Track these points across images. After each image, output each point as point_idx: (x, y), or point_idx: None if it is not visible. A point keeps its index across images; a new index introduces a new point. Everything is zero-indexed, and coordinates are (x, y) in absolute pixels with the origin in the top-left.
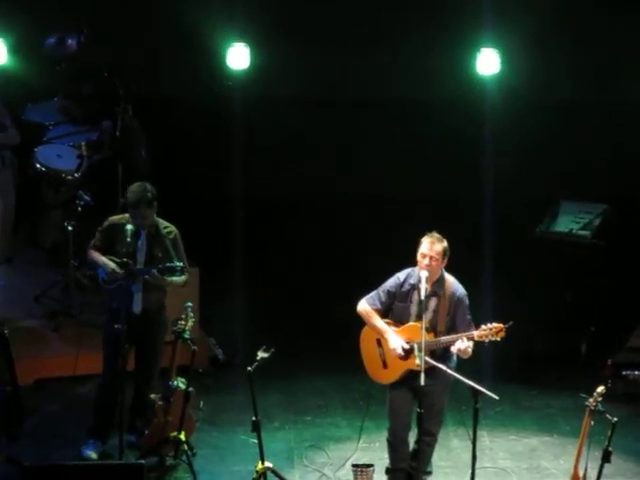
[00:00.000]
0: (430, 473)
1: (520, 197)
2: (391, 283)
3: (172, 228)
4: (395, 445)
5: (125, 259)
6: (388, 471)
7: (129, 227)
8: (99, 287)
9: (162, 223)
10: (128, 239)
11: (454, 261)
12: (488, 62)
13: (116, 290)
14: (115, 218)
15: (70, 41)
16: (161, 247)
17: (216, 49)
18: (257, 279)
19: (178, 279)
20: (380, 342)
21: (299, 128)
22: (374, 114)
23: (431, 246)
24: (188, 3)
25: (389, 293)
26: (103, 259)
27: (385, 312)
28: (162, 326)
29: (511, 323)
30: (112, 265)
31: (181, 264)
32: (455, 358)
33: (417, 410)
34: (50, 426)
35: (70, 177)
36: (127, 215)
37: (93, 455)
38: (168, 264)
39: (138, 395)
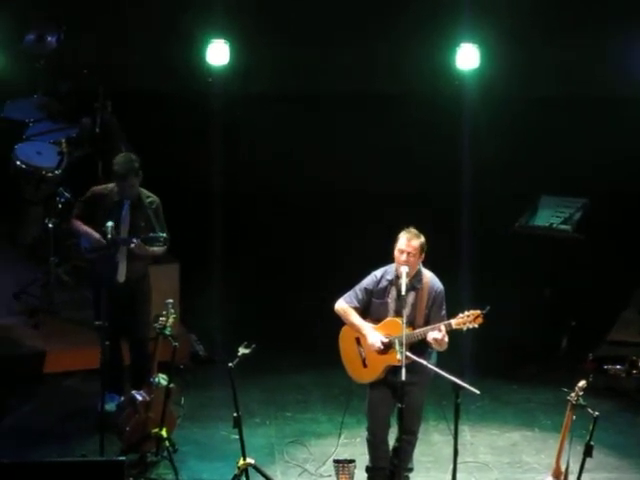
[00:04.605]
0: (411, 470)
1: (499, 191)
2: (368, 281)
3: (154, 198)
4: (375, 444)
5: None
6: (368, 470)
7: (113, 198)
8: (79, 282)
9: (144, 193)
10: (111, 209)
11: (433, 256)
12: (467, 57)
13: (99, 259)
14: (98, 188)
15: (50, 38)
16: (144, 217)
17: (196, 45)
18: (238, 275)
19: (159, 249)
20: (359, 341)
21: (279, 123)
22: (354, 109)
23: (408, 242)
24: None
25: (366, 290)
26: (86, 228)
27: (363, 310)
28: (146, 293)
29: (488, 308)
30: (96, 235)
31: (164, 235)
32: (435, 355)
33: (398, 406)
34: (30, 423)
35: (50, 174)
36: (110, 185)
37: (113, 407)
38: (151, 234)
39: (136, 362)
